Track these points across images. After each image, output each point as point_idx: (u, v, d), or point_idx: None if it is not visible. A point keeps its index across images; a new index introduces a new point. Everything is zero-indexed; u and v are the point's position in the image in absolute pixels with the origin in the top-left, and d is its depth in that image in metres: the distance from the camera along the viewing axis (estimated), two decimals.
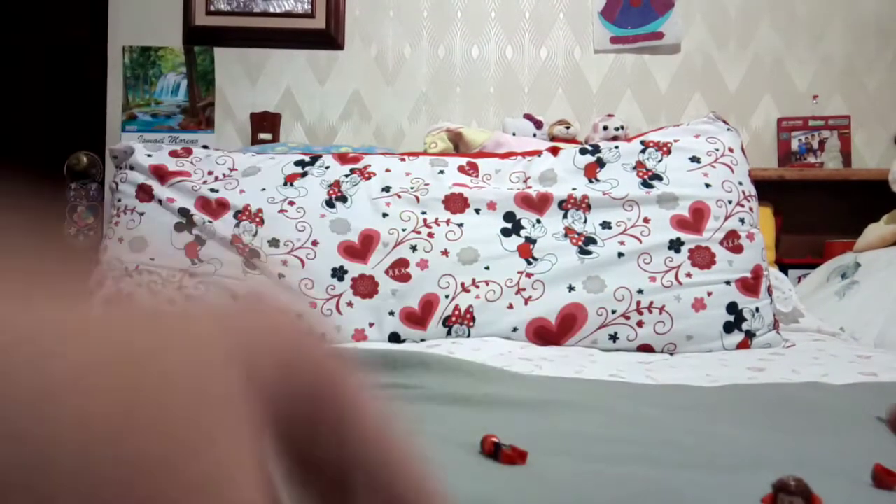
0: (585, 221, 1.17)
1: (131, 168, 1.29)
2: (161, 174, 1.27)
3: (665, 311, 1.09)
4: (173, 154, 1.32)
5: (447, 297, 1.12)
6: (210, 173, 1.29)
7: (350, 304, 1.14)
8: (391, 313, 1.13)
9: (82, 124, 2.14)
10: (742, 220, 1.17)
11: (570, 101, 2.06)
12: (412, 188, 1.23)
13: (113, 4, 2.10)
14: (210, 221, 1.20)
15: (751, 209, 1.20)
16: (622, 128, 1.89)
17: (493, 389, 0.69)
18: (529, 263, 1.14)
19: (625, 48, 2.04)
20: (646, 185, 1.20)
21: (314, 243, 1.17)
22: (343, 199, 1.22)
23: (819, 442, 0.54)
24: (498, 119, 2.03)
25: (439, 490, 0.14)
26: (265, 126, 2.01)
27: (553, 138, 1.87)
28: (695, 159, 1.22)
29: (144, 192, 1.25)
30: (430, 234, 1.17)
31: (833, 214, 1.95)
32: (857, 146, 2.00)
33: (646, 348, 1.10)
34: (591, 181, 1.22)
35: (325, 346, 0.13)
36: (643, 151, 1.24)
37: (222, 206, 1.22)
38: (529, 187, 1.22)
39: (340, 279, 1.15)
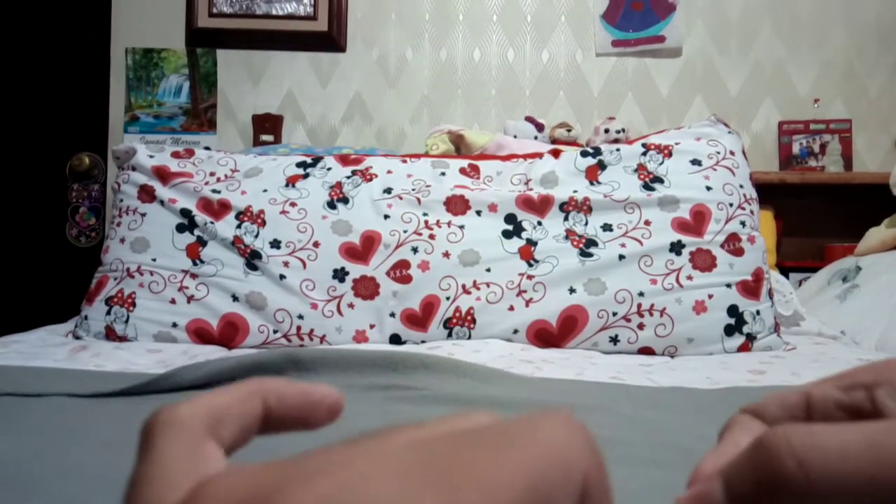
0: (586, 224, 1.18)
1: (133, 169, 1.30)
2: (163, 175, 1.27)
3: (666, 313, 1.09)
4: (175, 155, 1.32)
5: (448, 298, 1.13)
6: (212, 174, 1.29)
7: (351, 306, 1.14)
8: (392, 315, 1.13)
9: (85, 125, 2.15)
10: (743, 223, 1.17)
11: (572, 103, 2.06)
12: (413, 190, 1.23)
13: (116, 6, 2.10)
14: (212, 222, 1.21)
15: (752, 212, 1.20)
16: (623, 131, 1.89)
17: (495, 391, 0.69)
18: (530, 265, 1.14)
19: (626, 51, 2.04)
20: (647, 187, 1.20)
21: (315, 244, 1.18)
22: (344, 200, 1.22)
23: None
24: (499, 121, 2.03)
25: None
26: (267, 128, 2.01)
27: (554, 141, 1.88)
28: (696, 162, 1.22)
29: (146, 193, 1.26)
30: (432, 236, 1.17)
31: (834, 218, 1.95)
32: (858, 150, 2.00)
33: (646, 351, 1.10)
34: (592, 183, 1.22)
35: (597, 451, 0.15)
36: (644, 154, 1.24)
37: (224, 207, 1.22)
38: (531, 189, 1.22)
39: (341, 280, 1.15)
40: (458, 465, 0.13)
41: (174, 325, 1.13)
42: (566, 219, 1.18)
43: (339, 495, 0.12)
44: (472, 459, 0.13)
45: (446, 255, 1.15)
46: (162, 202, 1.24)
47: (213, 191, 1.25)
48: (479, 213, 1.20)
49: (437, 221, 1.19)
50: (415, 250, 1.16)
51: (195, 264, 1.18)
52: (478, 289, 1.13)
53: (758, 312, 1.11)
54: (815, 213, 1.96)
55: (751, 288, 1.12)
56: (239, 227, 1.20)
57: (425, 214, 1.20)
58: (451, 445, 0.14)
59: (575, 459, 0.14)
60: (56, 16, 2.16)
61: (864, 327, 1.31)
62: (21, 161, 2.17)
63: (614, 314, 1.10)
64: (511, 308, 1.11)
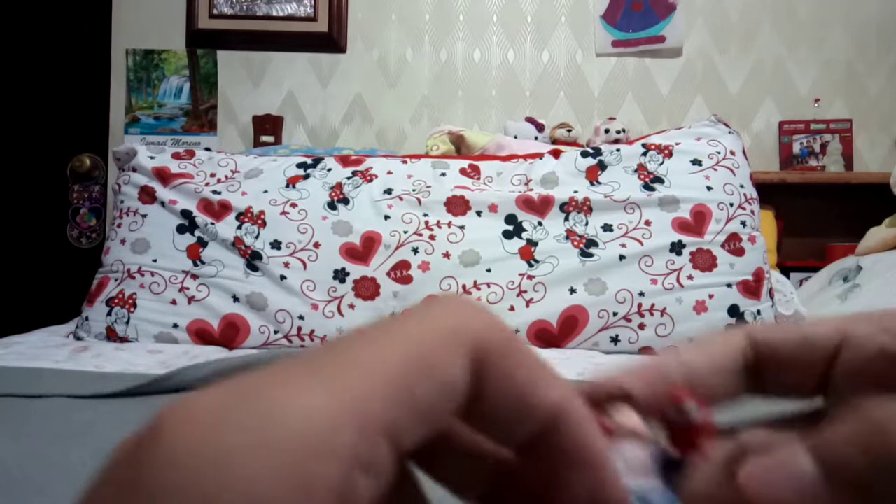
0: (587, 224, 1.18)
1: (134, 170, 1.30)
2: (164, 176, 1.27)
3: (666, 313, 1.09)
4: (176, 156, 1.32)
5: None
6: (212, 175, 1.29)
7: (352, 306, 1.14)
8: (393, 315, 1.13)
9: (85, 127, 2.15)
10: (743, 223, 1.17)
11: (572, 104, 2.06)
12: (414, 190, 1.23)
13: (116, 7, 2.11)
14: (212, 223, 1.21)
15: (752, 212, 1.20)
16: (624, 131, 1.89)
17: None
18: (531, 265, 1.14)
19: (626, 52, 2.04)
20: (647, 187, 1.20)
21: (316, 245, 1.18)
22: (345, 201, 1.22)
23: None
24: (499, 122, 2.03)
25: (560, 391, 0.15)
26: (267, 128, 2.01)
27: (555, 141, 1.88)
28: (696, 162, 1.22)
29: (147, 194, 1.26)
30: (432, 237, 1.17)
31: (835, 217, 1.95)
32: (858, 149, 2.00)
33: (647, 350, 1.10)
34: (592, 184, 1.22)
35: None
36: (645, 154, 1.24)
37: (224, 207, 1.22)
38: (531, 190, 1.22)
39: (342, 281, 1.15)
40: (350, 350, 0.14)
41: (175, 325, 1.14)
42: (566, 219, 1.18)
43: (232, 393, 0.13)
44: (365, 342, 0.14)
45: (447, 255, 1.15)
46: (162, 203, 1.24)
47: (214, 192, 1.25)
48: (479, 213, 1.20)
49: (438, 222, 1.19)
50: (415, 251, 1.16)
51: (196, 265, 1.18)
52: (478, 289, 1.13)
53: (758, 312, 1.11)
54: (815, 213, 1.95)
55: (751, 288, 1.12)
56: (239, 227, 1.20)
57: (426, 215, 1.20)
58: (358, 334, 0.14)
59: (463, 325, 0.15)
60: (56, 17, 2.16)
61: None
62: (22, 162, 2.18)
63: (615, 314, 1.10)
64: (511, 308, 1.11)
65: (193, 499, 0.11)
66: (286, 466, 0.12)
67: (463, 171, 1.28)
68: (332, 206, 1.22)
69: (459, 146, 1.72)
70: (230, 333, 1.13)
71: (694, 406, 0.17)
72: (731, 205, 1.18)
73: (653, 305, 1.10)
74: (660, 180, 1.21)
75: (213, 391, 0.13)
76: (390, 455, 0.13)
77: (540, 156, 1.30)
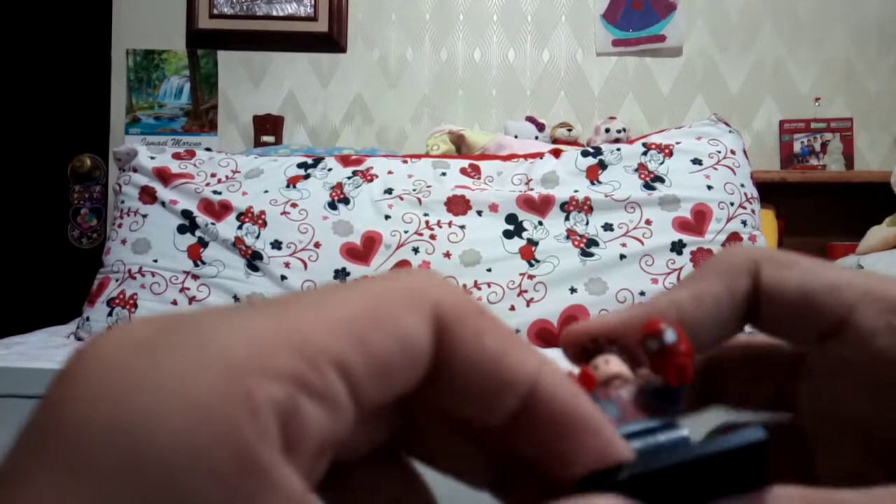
0: (587, 223, 1.18)
1: (134, 170, 1.30)
2: (164, 176, 1.27)
3: None
4: (176, 156, 1.32)
5: None
6: (213, 175, 1.29)
7: None
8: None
9: (86, 127, 2.15)
10: (744, 223, 1.17)
11: (572, 103, 2.06)
12: (414, 190, 1.23)
13: (116, 7, 2.11)
14: (213, 223, 1.21)
15: (753, 211, 1.20)
16: (624, 130, 1.89)
17: None
18: (531, 265, 1.14)
19: (627, 51, 2.04)
20: (648, 187, 1.20)
21: (316, 245, 1.18)
22: (345, 200, 1.22)
23: None
24: (500, 121, 2.03)
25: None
26: (268, 129, 2.01)
27: (555, 141, 1.88)
28: (697, 161, 1.22)
29: (147, 195, 1.26)
30: (433, 236, 1.17)
31: (835, 217, 1.94)
32: (859, 148, 1.99)
33: None
34: (592, 183, 1.22)
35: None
36: (645, 153, 1.24)
37: (225, 208, 1.23)
38: (531, 189, 1.22)
39: (343, 281, 1.15)
40: (297, 296, 0.13)
41: None
42: (567, 218, 1.18)
43: (163, 322, 0.12)
44: (316, 292, 0.14)
45: (447, 255, 1.15)
46: (163, 203, 1.24)
47: (214, 192, 1.25)
48: (479, 213, 1.20)
49: (438, 222, 1.19)
50: (416, 251, 1.16)
51: (196, 265, 1.18)
52: (479, 289, 1.13)
53: None
54: (816, 212, 1.95)
55: None
56: (240, 227, 1.20)
57: (426, 215, 1.20)
58: (311, 290, 0.14)
59: (424, 287, 0.14)
60: (57, 17, 2.16)
61: None
62: (22, 162, 2.18)
63: None
64: (512, 308, 1.11)
65: (125, 413, 0.11)
66: (225, 380, 0.11)
67: (463, 171, 1.28)
68: (332, 205, 1.22)
69: (460, 146, 1.72)
70: None
71: (668, 329, 0.16)
72: (732, 204, 1.18)
73: None
74: (660, 180, 1.20)
75: (141, 322, 0.12)
76: (345, 392, 0.13)
77: (540, 155, 1.30)
